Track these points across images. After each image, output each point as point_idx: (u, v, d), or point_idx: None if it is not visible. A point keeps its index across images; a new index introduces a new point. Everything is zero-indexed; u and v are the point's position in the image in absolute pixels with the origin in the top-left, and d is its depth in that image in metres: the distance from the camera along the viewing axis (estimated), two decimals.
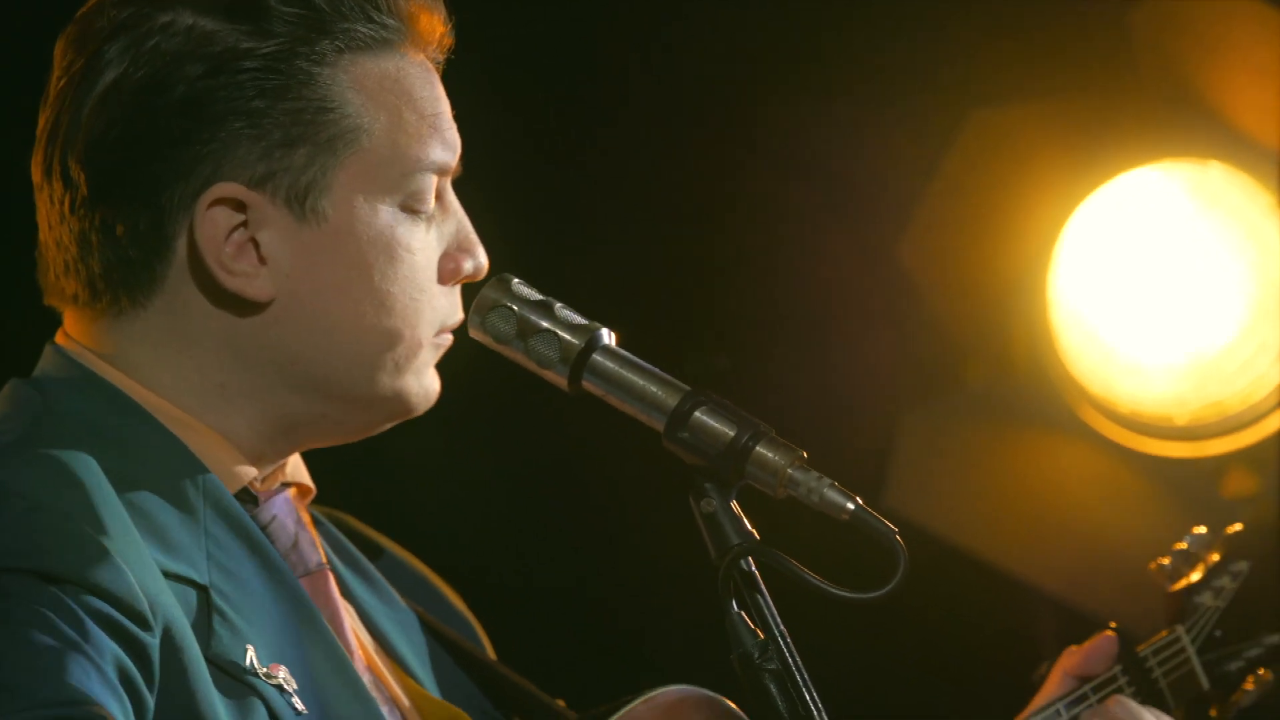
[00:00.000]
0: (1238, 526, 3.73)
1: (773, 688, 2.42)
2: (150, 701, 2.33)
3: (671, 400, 2.50)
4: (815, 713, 2.41)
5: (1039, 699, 3.51)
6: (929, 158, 5.09)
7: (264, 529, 2.70)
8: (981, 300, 5.17)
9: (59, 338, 2.72)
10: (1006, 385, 5.17)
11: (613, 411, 2.56)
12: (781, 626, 2.45)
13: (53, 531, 2.39)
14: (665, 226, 5.01)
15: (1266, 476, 5.16)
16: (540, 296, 2.58)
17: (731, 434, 2.47)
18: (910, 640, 5.05)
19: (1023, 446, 5.20)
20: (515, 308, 2.57)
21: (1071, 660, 3.52)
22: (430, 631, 3.02)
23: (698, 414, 2.49)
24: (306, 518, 2.79)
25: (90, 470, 2.48)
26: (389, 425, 2.76)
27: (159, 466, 2.58)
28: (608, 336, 2.57)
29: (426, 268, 2.69)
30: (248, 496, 2.71)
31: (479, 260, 2.74)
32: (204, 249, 2.60)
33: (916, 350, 5.16)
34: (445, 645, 3.02)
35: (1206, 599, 3.65)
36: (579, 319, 2.57)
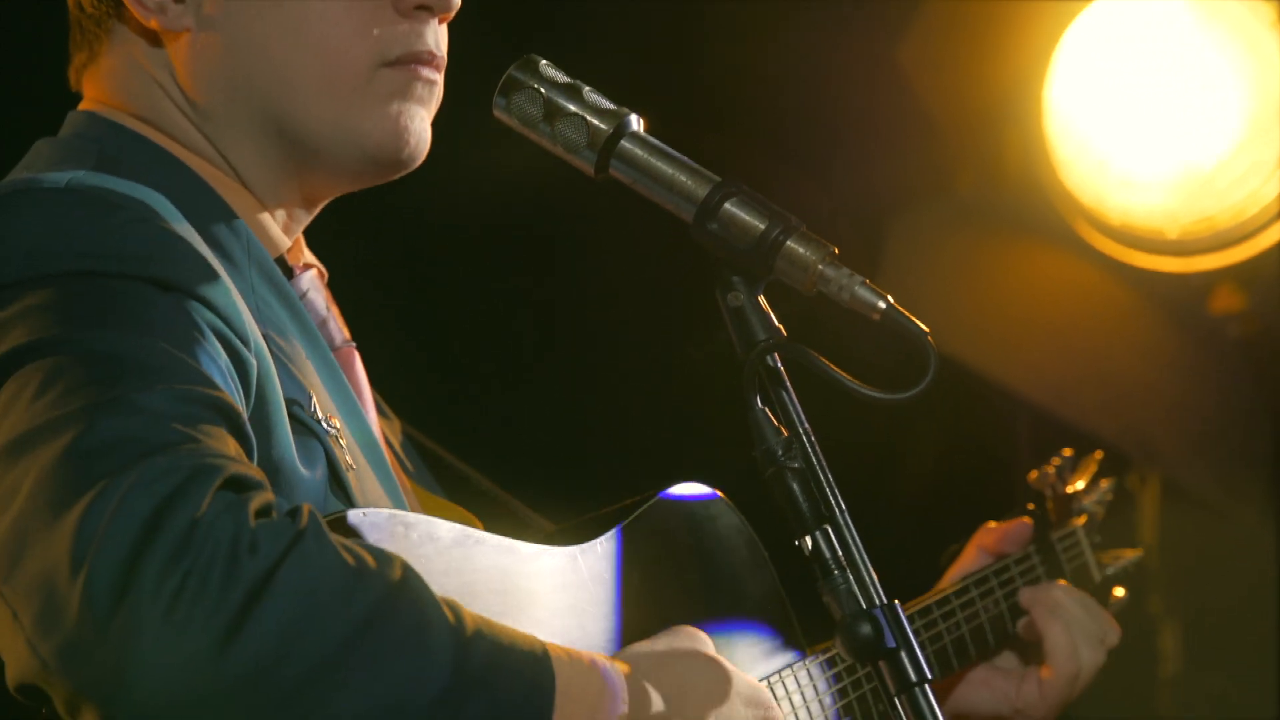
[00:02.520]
0: (1100, 453, 3.81)
1: (795, 485, 2.39)
2: (247, 423, 2.31)
3: (701, 190, 2.44)
4: (838, 511, 2.38)
5: (954, 572, 3.57)
6: None
7: (299, 300, 2.68)
8: (976, 108, 5.12)
9: (82, 105, 2.71)
10: (998, 194, 5.14)
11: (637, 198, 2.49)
12: (806, 424, 2.40)
13: (165, 244, 2.37)
14: (660, 38, 4.93)
15: (1255, 294, 5.16)
16: (568, 79, 2.50)
17: (762, 227, 2.41)
18: (894, 444, 5.06)
19: (1012, 256, 5.18)
20: (542, 90, 2.49)
21: (989, 538, 3.57)
22: (417, 445, 3.02)
23: (728, 205, 2.42)
24: (330, 298, 2.76)
25: (169, 203, 2.45)
26: (379, 171, 2.71)
27: (207, 219, 2.57)
28: (636, 123, 2.49)
29: None
30: (284, 266, 2.70)
31: None
32: None
33: (909, 156, 5.11)
34: (430, 458, 3.01)
35: (1091, 505, 3.76)
36: (608, 103, 2.49)
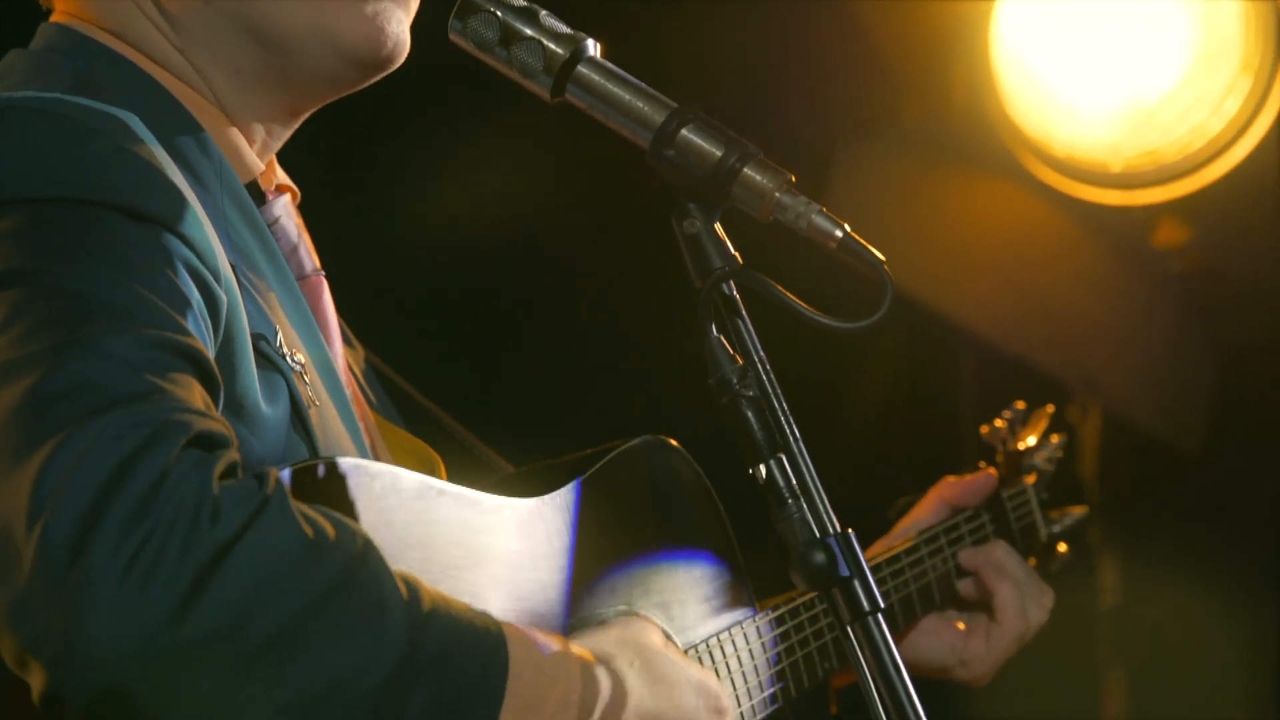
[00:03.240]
0: (1051, 407, 3.81)
1: (750, 414, 2.38)
2: (214, 364, 2.28)
3: (658, 116, 2.42)
4: (792, 440, 2.37)
5: (905, 524, 3.58)
6: None
7: (269, 227, 2.64)
8: (922, 38, 5.11)
9: (54, 17, 2.65)
10: (943, 124, 5.14)
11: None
12: (761, 353, 2.39)
13: (142, 173, 2.32)
14: None
15: (1198, 228, 5.17)
16: (524, 3, 2.47)
17: (719, 154, 2.39)
18: (836, 381, 5.06)
19: (957, 186, 5.18)
20: (499, 13, 2.46)
21: (950, 491, 3.59)
22: (380, 375, 3.00)
23: (684, 132, 2.40)
24: (301, 224, 2.72)
25: (144, 126, 2.40)
26: (356, 74, 2.67)
27: (181, 142, 2.52)
28: (593, 48, 2.47)
29: None
30: (255, 192, 2.65)
31: None
32: None
33: (855, 87, 5.10)
34: (392, 389, 2.99)
35: (1040, 463, 3.77)
36: (564, 28, 2.47)
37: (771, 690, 2.99)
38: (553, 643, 2.32)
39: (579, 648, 2.37)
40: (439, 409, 3.04)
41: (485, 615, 2.24)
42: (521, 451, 3.00)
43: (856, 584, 2.30)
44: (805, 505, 2.34)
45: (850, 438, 5.12)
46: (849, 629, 2.31)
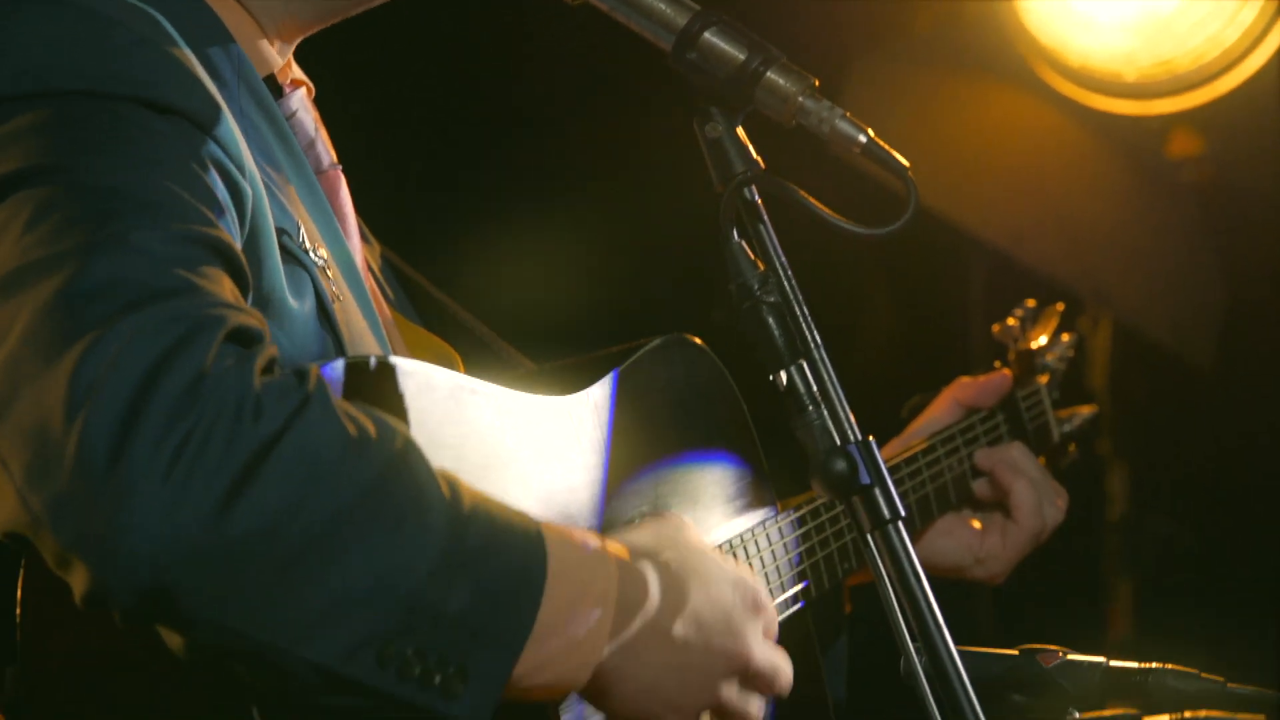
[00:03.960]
0: (1061, 305, 3.81)
1: (771, 320, 2.36)
2: (243, 258, 2.26)
3: (681, 19, 2.39)
4: (813, 346, 2.36)
5: (919, 424, 3.58)
6: None
7: (287, 121, 2.61)
8: None
9: None
10: (957, 32, 5.10)
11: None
12: (783, 258, 2.38)
13: (167, 66, 2.28)
14: None
15: (1211, 138, 5.15)
16: None
17: (742, 57, 2.36)
18: (851, 290, 5.06)
19: (970, 95, 5.15)
20: None
21: (965, 391, 3.59)
22: (397, 272, 2.98)
23: (707, 34, 2.37)
24: (317, 117, 2.69)
25: (164, 19, 2.35)
26: None
27: (199, 35, 2.46)
28: None
29: None
30: (273, 86, 2.62)
31: None
32: None
33: None
34: (410, 286, 2.98)
35: (1052, 362, 3.78)
36: None
37: (794, 590, 2.99)
38: (590, 540, 2.31)
39: (616, 545, 2.36)
40: (456, 304, 3.02)
41: (523, 514, 2.24)
42: (539, 349, 2.98)
43: (877, 492, 2.30)
44: (826, 412, 2.33)
45: (863, 347, 5.11)
46: (869, 536, 2.30)
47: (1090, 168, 5.18)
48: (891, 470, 3.30)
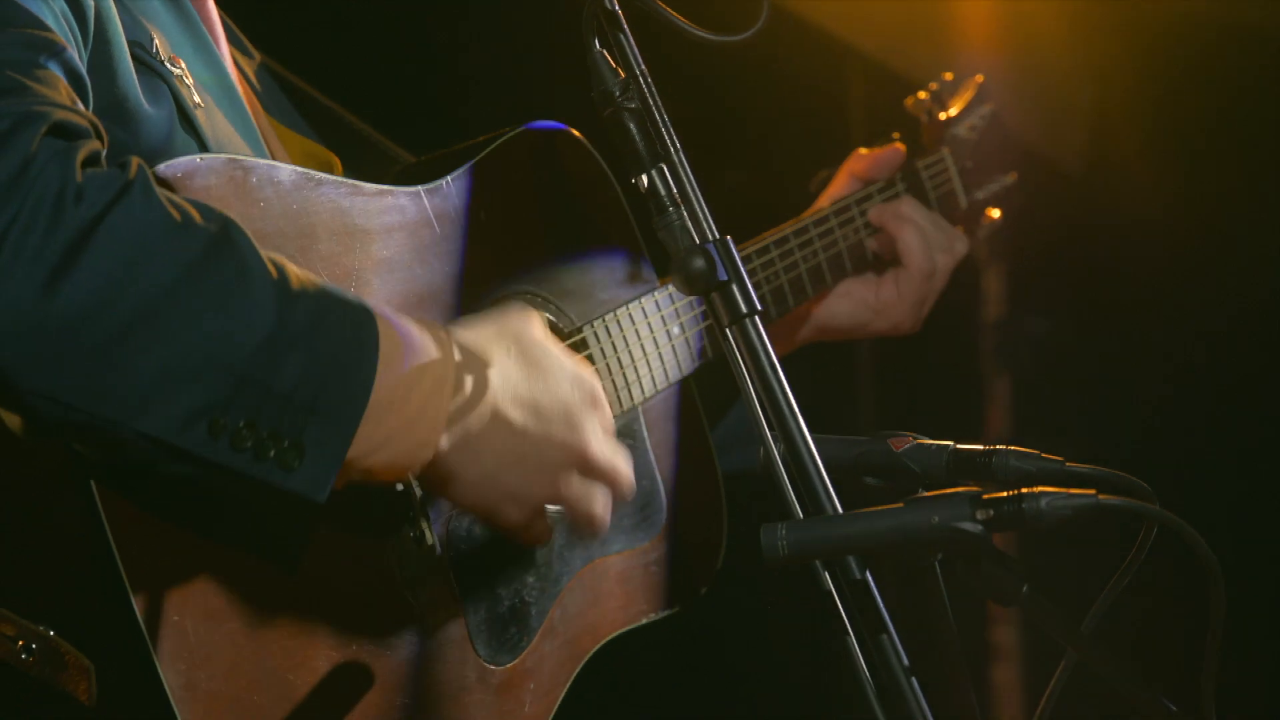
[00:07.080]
0: (981, 77, 3.87)
1: (632, 126, 2.44)
2: (83, 64, 2.32)
3: None
4: (673, 150, 2.43)
5: (824, 199, 3.66)
6: None
7: None
8: None
9: None
10: None
11: None
12: (643, 66, 2.45)
13: None
14: None
15: None
16: None
17: None
18: (727, 96, 5.09)
19: None
20: None
21: (859, 164, 3.68)
22: (280, 81, 3.02)
23: None
24: None
25: None
26: None
27: None
28: None
29: None
30: None
31: None
32: None
33: None
34: (296, 95, 3.02)
35: (963, 132, 3.85)
36: None
37: (684, 359, 3.08)
38: (428, 325, 2.38)
39: (456, 332, 2.43)
40: (340, 107, 3.06)
41: (355, 296, 2.31)
42: (434, 147, 2.99)
43: (734, 287, 2.37)
44: (685, 213, 2.41)
45: (741, 153, 5.16)
46: (728, 330, 2.38)
47: None
48: (780, 241, 3.41)
